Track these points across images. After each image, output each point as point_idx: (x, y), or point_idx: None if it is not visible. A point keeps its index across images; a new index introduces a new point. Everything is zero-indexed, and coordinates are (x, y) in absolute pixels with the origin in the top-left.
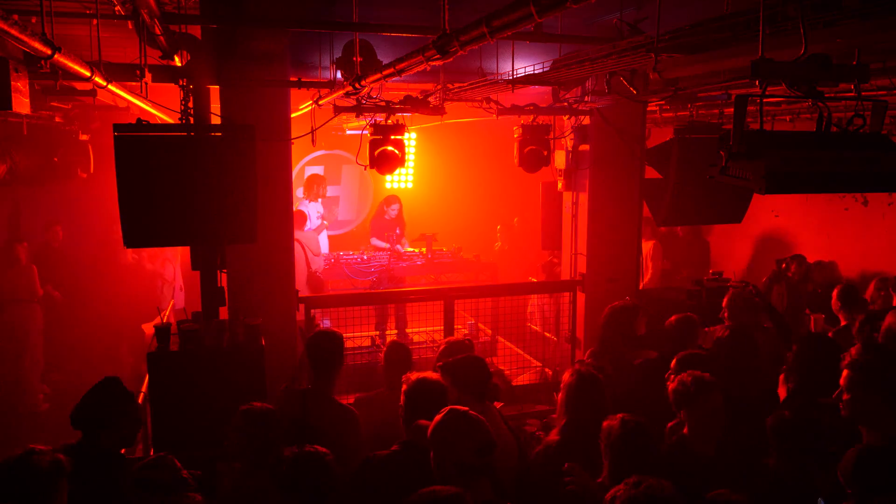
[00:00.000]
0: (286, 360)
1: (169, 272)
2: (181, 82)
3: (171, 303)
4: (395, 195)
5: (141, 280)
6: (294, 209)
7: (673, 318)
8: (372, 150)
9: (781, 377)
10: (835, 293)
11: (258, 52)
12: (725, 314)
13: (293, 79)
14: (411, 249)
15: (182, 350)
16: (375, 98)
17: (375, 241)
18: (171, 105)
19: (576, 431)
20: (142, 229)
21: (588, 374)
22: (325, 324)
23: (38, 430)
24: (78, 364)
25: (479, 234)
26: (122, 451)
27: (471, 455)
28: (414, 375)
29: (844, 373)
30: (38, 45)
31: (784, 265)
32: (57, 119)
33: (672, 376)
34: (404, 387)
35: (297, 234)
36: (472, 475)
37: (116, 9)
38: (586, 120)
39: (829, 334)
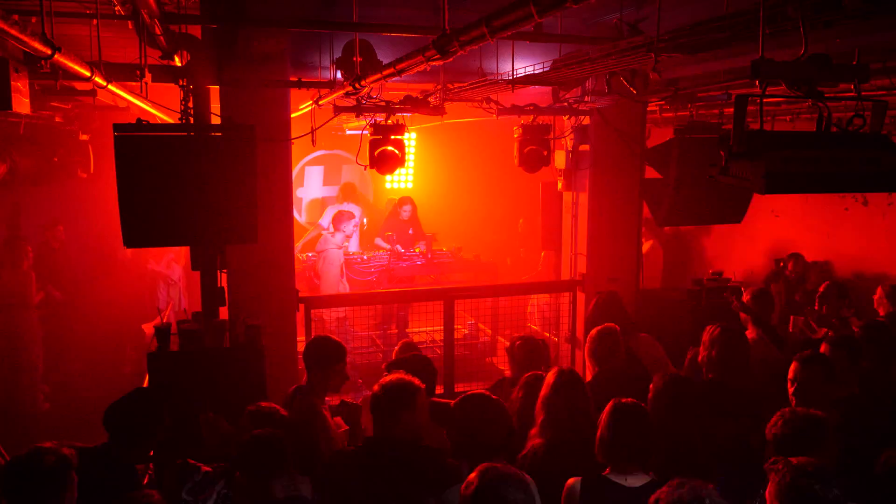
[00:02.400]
0: (286, 360)
1: (175, 273)
2: (181, 82)
3: (171, 303)
4: (409, 196)
5: (141, 280)
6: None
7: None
8: (372, 150)
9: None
10: (823, 288)
11: (258, 52)
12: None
13: (293, 79)
14: (416, 250)
15: (182, 350)
16: (375, 98)
17: (379, 241)
18: (171, 105)
19: (559, 432)
20: (142, 229)
21: (568, 373)
22: None
23: (38, 430)
24: (78, 364)
25: (478, 233)
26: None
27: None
28: (392, 375)
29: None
30: (38, 45)
31: (782, 264)
32: (57, 119)
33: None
34: (375, 387)
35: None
36: (492, 454)
37: (116, 9)
38: (586, 120)
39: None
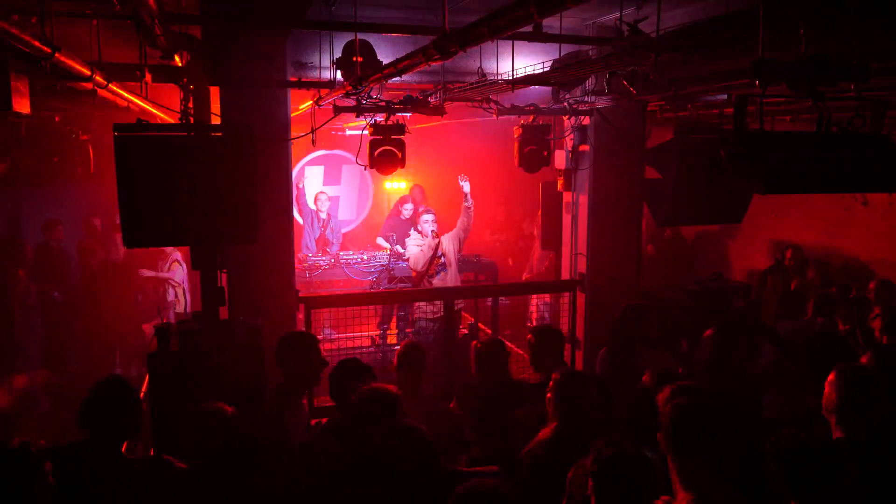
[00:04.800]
0: None
1: (178, 275)
2: (181, 82)
3: (177, 304)
4: (410, 195)
5: (132, 284)
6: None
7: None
8: (372, 150)
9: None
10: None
11: (258, 52)
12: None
13: (293, 79)
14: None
15: (182, 350)
16: (375, 98)
17: (380, 241)
18: (171, 105)
19: (566, 427)
20: (142, 229)
21: (573, 372)
22: (326, 332)
23: (38, 430)
24: (78, 364)
25: (479, 233)
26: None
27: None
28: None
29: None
30: (38, 45)
31: (779, 255)
32: (57, 119)
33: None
34: (354, 397)
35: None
36: None
37: (116, 9)
38: (586, 120)
39: None
